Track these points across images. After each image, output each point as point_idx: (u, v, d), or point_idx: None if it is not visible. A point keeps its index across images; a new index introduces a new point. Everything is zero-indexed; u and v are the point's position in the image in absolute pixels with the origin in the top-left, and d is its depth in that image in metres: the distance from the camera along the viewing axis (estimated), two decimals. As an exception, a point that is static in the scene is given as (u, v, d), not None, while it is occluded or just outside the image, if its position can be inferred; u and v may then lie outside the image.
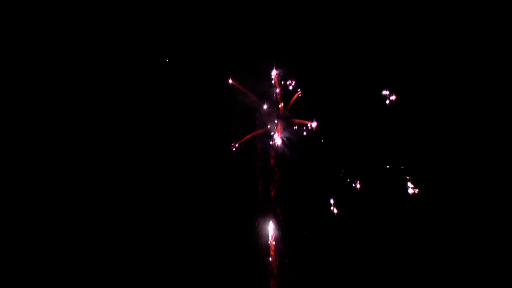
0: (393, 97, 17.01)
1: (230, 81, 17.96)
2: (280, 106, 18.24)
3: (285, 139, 18.06)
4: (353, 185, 17.18)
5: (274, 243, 17.31)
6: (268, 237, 17.36)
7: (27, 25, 17.27)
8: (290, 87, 18.16)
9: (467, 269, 15.40)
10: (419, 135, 16.80)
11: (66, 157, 17.30)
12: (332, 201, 17.21)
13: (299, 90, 18.04)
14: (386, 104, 17.12)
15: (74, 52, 17.68)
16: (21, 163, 16.78)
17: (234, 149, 17.87)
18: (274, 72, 18.03)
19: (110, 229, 16.92)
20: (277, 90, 18.13)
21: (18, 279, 15.86)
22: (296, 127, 18.02)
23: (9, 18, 17.06)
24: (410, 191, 16.53)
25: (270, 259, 17.21)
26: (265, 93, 18.31)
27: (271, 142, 18.11)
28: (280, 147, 17.99)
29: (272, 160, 17.89)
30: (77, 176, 17.23)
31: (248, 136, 18.05)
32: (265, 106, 18.35)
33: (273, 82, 18.14)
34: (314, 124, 17.57)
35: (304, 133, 17.88)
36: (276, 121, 18.19)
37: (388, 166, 16.98)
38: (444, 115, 16.60)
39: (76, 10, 17.60)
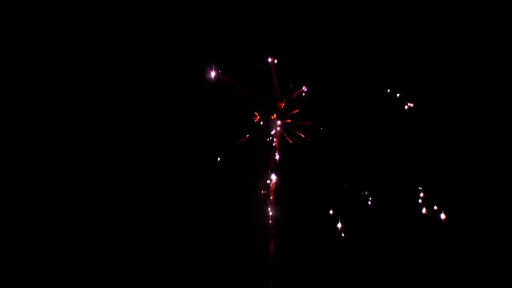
0: (410, 104, 16.48)
1: (213, 73, 17.01)
2: (280, 105, 17.93)
3: (285, 140, 17.80)
4: (356, 188, 17.08)
5: (273, 245, 17.34)
6: (268, 239, 17.37)
7: (25, 24, 16.86)
8: (291, 86, 17.79)
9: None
10: (436, 141, 16.38)
11: (63, 157, 17.10)
12: (332, 203, 17.18)
13: (303, 88, 17.65)
14: (397, 105, 16.72)
15: (64, 50, 17.21)
16: (18, 163, 16.64)
17: (232, 150, 17.69)
18: (272, 70, 17.62)
19: (110, 228, 16.88)
20: (277, 90, 17.78)
21: (18, 279, 15.87)
22: (297, 128, 17.77)
23: (9, 18, 16.66)
24: (423, 209, 16.26)
25: (269, 260, 17.27)
26: (265, 92, 17.93)
27: (270, 143, 17.87)
28: (280, 149, 17.76)
29: (272, 162, 17.71)
30: (71, 178, 17.05)
31: (247, 137, 17.80)
32: (264, 106, 18.02)
33: (272, 81, 17.76)
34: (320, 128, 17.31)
35: (305, 134, 17.66)
36: (276, 121, 17.91)
37: (397, 172, 16.71)
38: (461, 118, 16.17)
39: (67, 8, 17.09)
